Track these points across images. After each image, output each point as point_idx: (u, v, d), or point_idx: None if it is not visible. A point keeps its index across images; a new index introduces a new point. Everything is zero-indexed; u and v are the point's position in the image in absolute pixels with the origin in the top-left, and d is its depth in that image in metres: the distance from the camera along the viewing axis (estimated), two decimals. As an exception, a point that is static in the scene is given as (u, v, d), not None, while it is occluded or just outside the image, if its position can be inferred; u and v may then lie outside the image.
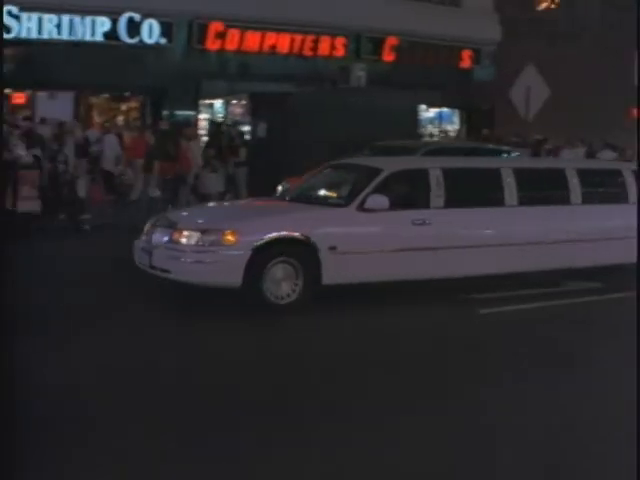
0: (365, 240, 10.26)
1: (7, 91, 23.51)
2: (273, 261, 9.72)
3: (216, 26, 25.18)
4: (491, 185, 11.33)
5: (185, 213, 11.53)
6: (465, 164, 12.27)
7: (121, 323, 9.01)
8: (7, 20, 21.63)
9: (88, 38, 23.18)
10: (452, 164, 11.81)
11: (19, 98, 24.07)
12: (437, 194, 10.73)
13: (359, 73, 26.07)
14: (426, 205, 10.70)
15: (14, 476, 5.01)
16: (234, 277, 9.53)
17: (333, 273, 9.95)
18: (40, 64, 22.08)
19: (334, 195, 11.27)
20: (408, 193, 11.03)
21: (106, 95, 25.97)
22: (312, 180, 12.04)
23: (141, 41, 23.85)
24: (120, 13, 23.38)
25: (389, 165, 11.26)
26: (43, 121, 20.35)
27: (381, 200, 10.25)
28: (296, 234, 9.87)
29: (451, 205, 10.81)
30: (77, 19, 23.01)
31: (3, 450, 5.19)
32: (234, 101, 25.20)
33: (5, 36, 21.56)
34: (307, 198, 11.18)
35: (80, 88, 24.26)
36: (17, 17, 21.99)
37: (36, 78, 22.37)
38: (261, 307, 9.65)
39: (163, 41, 24.31)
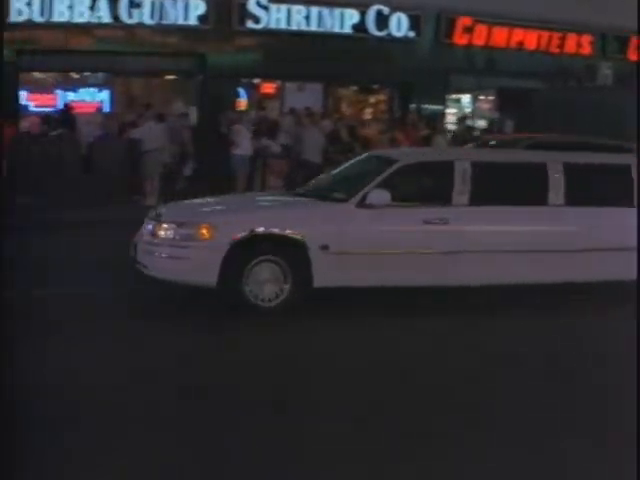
0: (363, 240, 9.14)
1: (256, 81, 24.41)
2: (256, 260, 8.86)
3: (464, 20, 24.95)
4: (532, 182, 9.90)
5: (179, 204, 10.54)
6: (501, 158, 10.74)
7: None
8: (256, 11, 22.28)
9: (337, 30, 23.57)
10: (484, 157, 10.61)
11: (268, 88, 24.86)
12: (460, 190, 9.45)
13: (606, 72, 25.15)
14: (446, 202, 9.45)
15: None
16: (208, 275, 8.70)
17: (326, 275, 8.92)
18: (289, 55, 22.67)
19: (342, 189, 9.86)
20: (423, 188, 9.91)
21: (354, 87, 26.38)
22: (335, 173, 11.00)
23: (389, 34, 23.98)
24: (369, 6, 23.59)
25: (407, 156, 10.16)
26: (292, 112, 20.94)
27: (383, 195, 9.11)
28: (282, 231, 8.94)
29: (477, 203, 9.48)
30: (326, 11, 23.40)
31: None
32: (481, 96, 24.97)
33: (254, 26, 22.36)
34: (316, 192, 10.05)
35: (328, 80, 24.76)
36: (266, 8, 22.58)
37: (285, 69, 23.01)
38: (243, 309, 8.87)
39: (411, 34, 24.32)
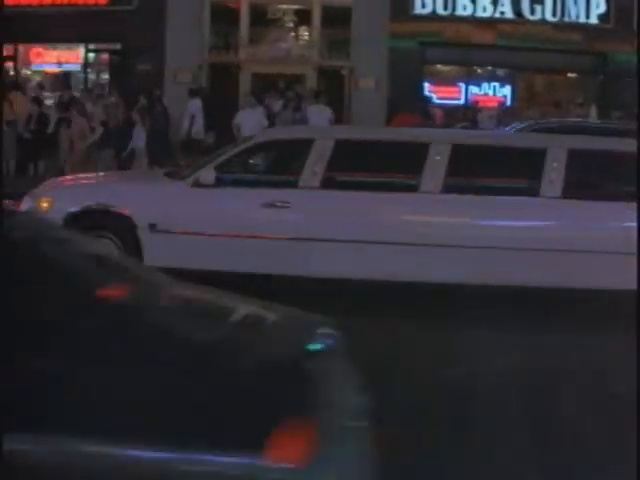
0: (192, 220, 8.64)
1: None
2: (89, 235, 8.21)
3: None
4: (408, 164, 8.78)
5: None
6: (378, 135, 9.70)
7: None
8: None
9: None
10: (358, 135, 9.58)
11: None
12: (311, 171, 8.56)
13: None
14: (293, 184, 8.63)
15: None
16: None
17: (155, 254, 8.50)
18: None
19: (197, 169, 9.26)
20: (273, 167, 9.32)
21: None
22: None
23: None
24: None
25: (262, 134, 9.53)
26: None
27: (210, 175, 8.59)
28: (111, 206, 8.67)
29: (332, 186, 8.58)
30: None
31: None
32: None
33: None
34: (184, 172, 9.45)
35: None
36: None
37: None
38: None
39: None
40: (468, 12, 21.66)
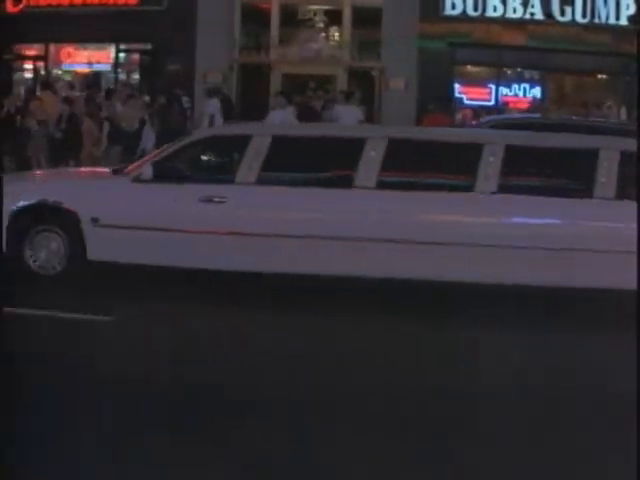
0: (132, 215, 8.84)
1: None
2: (36, 229, 9.02)
3: None
4: (342, 160, 8.88)
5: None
6: (314, 132, 9.83)
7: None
8: None
9: None
10: (294, 131, 9.93)
11: None
12: (249, 167, 8.76)
13: None
14: (230, 180, 8.85)
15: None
16: None
17: (97, 248, 8.84)
18: None
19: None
20: (212, 164, 9.68)
21: None
22: None
23: None
24: None
25: (202, 131, 9.70)
26: None
27: (148, 170, 8.87)
28: (57, 202, 8.98)
29: (267, 182, 8.73)
30: None
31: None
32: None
33: None
34: (131, 168, 9.62)
35: None
36: None
37: None
38: (24, 277, 8.88)
39: None
40: (498, 13, 21.65)
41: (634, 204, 7.85)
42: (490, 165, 8.55)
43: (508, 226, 8.53)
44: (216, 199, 8.71)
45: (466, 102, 22.55)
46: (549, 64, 22.72)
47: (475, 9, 21.57)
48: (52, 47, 24.22)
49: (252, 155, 8.84)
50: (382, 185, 8.62)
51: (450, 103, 21.13)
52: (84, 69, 24.31)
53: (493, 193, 8.49)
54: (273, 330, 7.75)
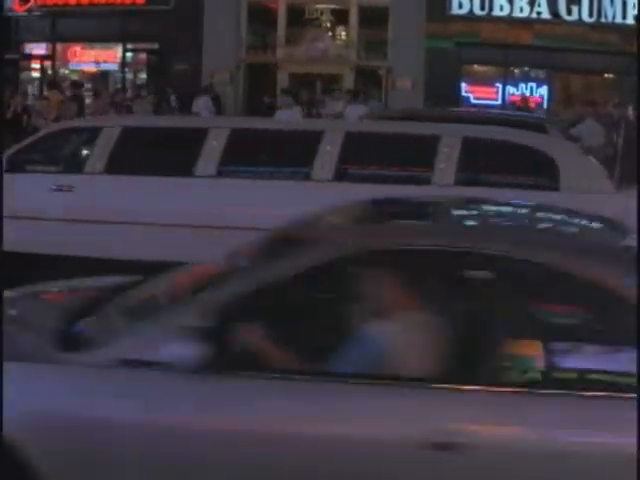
0: None
1: None
2: None
3: None
4: (185, 150, 9.11)
5: None
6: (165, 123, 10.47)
7: None
8: None
9: None
10: (142, 122, 10.45)
11: None
12: (99, 156, 9.06)
13: None
14: (80, 170, 9.19)
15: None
16: None
17: None
18: None
19: None
20: (63, 154, 9.86)
21: None
22: None
23: None
24: None
25: (56, 124, 10.00)
26: None
27: (4, 162, 8.99)
28: None
29: (115, 171, 8.95)
30: None
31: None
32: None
33: None
34: None
35: None
36: None
37: None
38: None
39: None
40: (505, 12, 21.63)
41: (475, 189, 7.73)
42: (327, 153, 8.59)
43: None
44: (65, 188, 9.05)
45: (473, 101, 22.57)
46: (556, 63, 22.66)
47: (482, 8, 21.56)
48: (59, 46, 24.26)
49: (101, 146, 9.16)
50: (223, 174, 8.84)
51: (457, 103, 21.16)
52: (91, 68, 24.33)
53: (329, 181, 8.50)
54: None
